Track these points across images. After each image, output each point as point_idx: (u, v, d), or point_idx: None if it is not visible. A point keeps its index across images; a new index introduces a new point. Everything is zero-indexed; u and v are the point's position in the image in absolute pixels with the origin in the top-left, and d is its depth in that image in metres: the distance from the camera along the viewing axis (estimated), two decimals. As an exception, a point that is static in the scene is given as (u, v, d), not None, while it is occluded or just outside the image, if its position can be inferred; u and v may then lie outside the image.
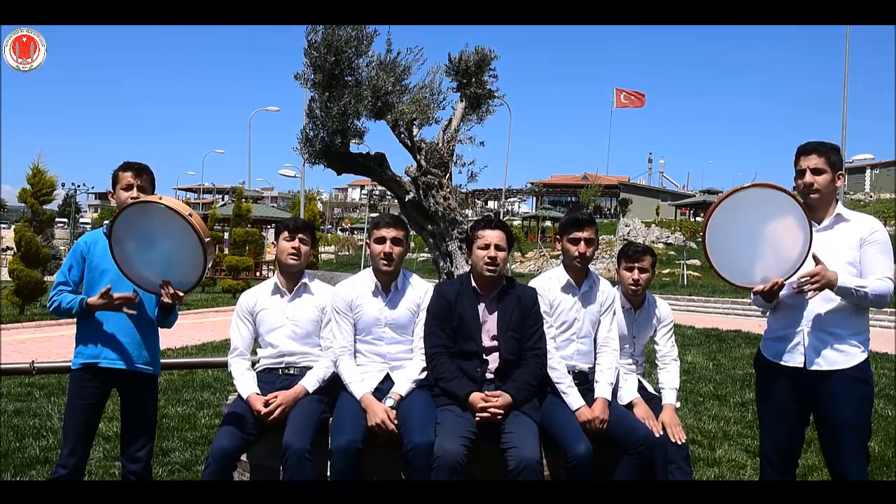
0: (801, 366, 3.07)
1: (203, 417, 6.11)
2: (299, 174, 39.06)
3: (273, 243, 4.30)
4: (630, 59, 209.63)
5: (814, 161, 3.08)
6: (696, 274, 28.59)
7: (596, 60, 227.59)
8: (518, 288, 3.48)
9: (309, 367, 3.47)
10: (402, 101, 4.32)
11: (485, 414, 3.14)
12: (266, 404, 3.25)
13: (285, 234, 3.53)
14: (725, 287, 21.72)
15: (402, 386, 3.32)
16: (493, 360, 3.33)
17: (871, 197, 46.61)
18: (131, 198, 3.21)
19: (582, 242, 3.42)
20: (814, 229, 2.99)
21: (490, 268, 3.33)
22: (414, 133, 4.45)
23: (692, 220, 47.03)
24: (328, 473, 3.04)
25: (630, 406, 3.49)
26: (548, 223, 46.55)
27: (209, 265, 3.03)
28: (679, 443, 3.35)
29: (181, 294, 3.10)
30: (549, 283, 3.52)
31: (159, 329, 3.42)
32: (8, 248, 33.70)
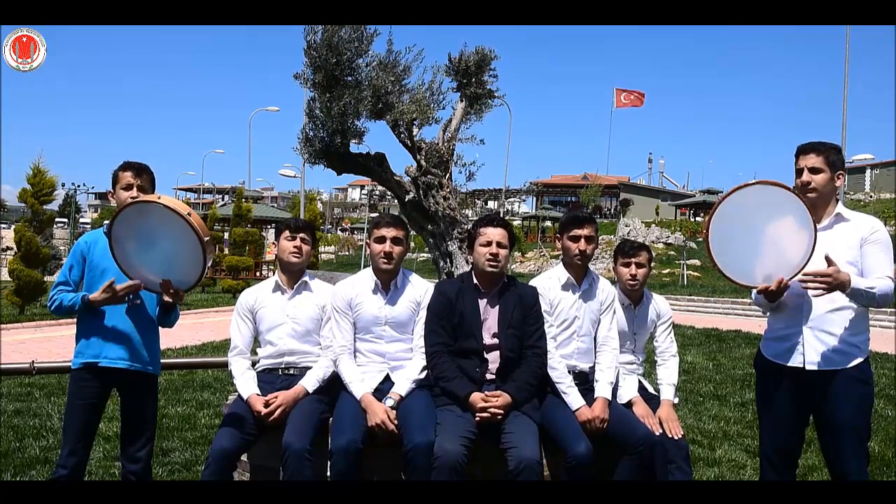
0: (801, 366, 3.06)
1: (203, 417, 6.11)
2: (299, 174, 39.10)
3: (273, 243, 4.31)
4: (630, 59, 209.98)
5: (811, 160, 3.07)
6: (696, 274, 28.59)
7: (596, 60, 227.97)
8: (519, 286, 3.48)
9: (309, 368, 3.47)
10: (402, 101, 4.31)
11: (485, 414, 3.14)
12: (266, 405, 3.25)
13: (287, 233, 3.53)
14: (725, 287, 21.75)
15: (402, 386, 3.32)
16: (494, 358, 3.33)
17: (871, 197, 46.56)
18: (131, 197, 3.21)
19: (582, 240, 3.43)
20: None
21: (492, 263, 3.33)
22: (414, 133, 4.44)
23: (692, 220, 47.04)
24: (328, 473, 3.04)
25: (629, 404, 3.49)
26: (548, 223, 46.54)
27: (209, 264, 3.03)
28: (675, 438, 3.35)
29: (182, 293, 3.10)
30: (550, 282, 3.52)
31: (160, 329, 3.42)
32: (8, 248, 33.69)
